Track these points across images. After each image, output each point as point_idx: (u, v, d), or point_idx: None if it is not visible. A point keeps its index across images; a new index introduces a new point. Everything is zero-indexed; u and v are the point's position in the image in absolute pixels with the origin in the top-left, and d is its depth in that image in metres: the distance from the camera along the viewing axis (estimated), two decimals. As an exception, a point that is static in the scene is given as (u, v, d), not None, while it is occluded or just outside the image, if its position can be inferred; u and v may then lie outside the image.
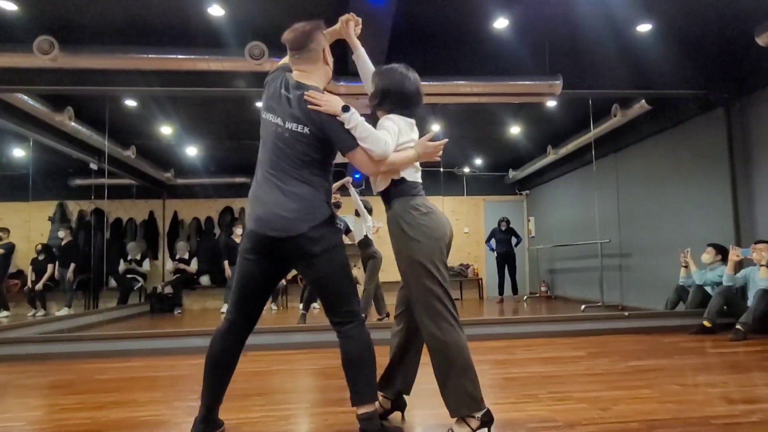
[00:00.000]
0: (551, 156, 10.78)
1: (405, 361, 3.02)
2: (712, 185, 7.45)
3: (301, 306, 7.97)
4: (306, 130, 2.64)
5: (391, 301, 8.46)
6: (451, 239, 2.85)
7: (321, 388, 4.05)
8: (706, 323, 6.24)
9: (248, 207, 2.74)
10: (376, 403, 2.73)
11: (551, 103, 8.29)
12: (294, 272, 11.93)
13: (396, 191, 2.82)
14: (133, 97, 7.84)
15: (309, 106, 2.63)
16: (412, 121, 2.94)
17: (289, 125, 2.66)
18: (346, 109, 2.63)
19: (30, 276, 10.42)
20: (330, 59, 2.93)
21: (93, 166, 9.58)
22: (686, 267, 7.16)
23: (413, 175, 2.87)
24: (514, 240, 11.51)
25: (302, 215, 2.62)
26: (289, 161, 2.66)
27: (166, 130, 9.48)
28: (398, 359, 3.02)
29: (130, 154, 9.82)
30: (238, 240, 10.97)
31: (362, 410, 2.64)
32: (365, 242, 7.66)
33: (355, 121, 2.62)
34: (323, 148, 2.69)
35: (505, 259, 11.57)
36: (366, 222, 7.71)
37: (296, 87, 2.72)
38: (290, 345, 5.93)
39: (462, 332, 2.68)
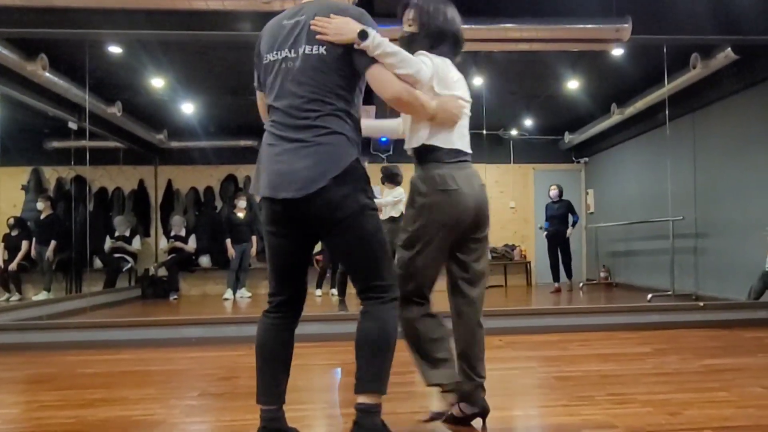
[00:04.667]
0: (616, 116, 10.67)
1: None
2: (810, 152, 7.36)
3: (334, 291, 7.99)
4: (323, 50, 2.60)
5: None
6: (471, 222, 3.00)
7: (339, 387, 4.12)
8: (797, 316, 6.22)
9: (256, 172, 2.73)
10: (382, 397, 2.66)
11: (617, 52, 8.16)
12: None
13: (423, 156, 2.97)
14: (118, 42, 7.72)
15: (317, 36, 2.59)
16: (457, 74, 3.03)
17: (301, 49, 2.61)
18: (363, 35, 2.57)
19: (2, 255, 10.59)
20: None
21: (72, 125, 9.53)
22: (775, 250, 7.13)
23: (450, 140, 2.94)
24: (571, 218, 11.28)
25: (322, 166, 2.54)
26: (301, 100, 2.60)
27: (157, 82, 9.47)
28: None
29: (115, 111, 9.79)
30: (241, 215, 11.08)
31: (361, 399, 2.61)
32: (392, 218, 7.67)
33: (379, 45, 2.59)
34: (345, 72, 2.65)
35: (557, 240, 11.29)
36: (392, 194, 7.73)
37: (308, 8, 2.68)
38: (304, 337, 5.94)
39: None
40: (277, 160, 2.60)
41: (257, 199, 2.79)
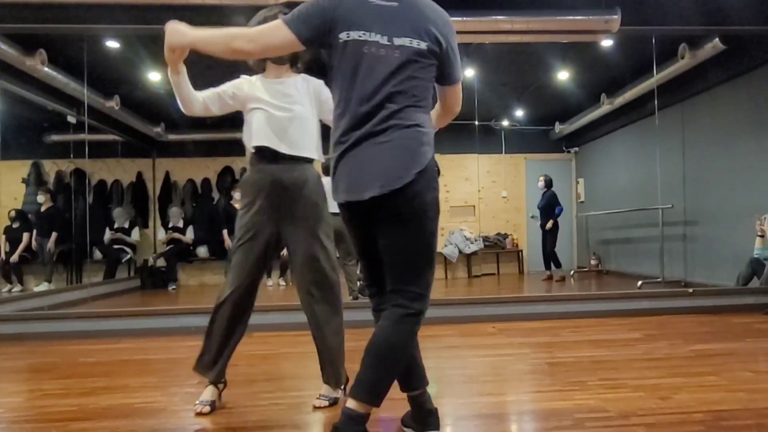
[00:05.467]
0: (605, 107, 10.66)
1: None
2: (796, 140, 7.35)
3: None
4: (423, 45, 2.41)
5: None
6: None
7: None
8: (784, 301, 6.24)
9: (335, 175, 2.49)
10: (372, 408, 2.43)
11: (607, 43, 8.14)
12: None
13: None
14: (116, 37, 7.71)
15: None
16: None
17: (398, 41, 2.39)
18: None
19: (3, 247, 10.54)
20: None
21: (71, 119, 9.52)
22: (762, 237, 7.12)
23: None
24: (557, 209, 10.99)
25: (404, 161, 2.38)
26: (389, 92, 2.40)
27: (154, 76, 9.43)
28: None
29: (113, 105, 9.79)
30: (238, 206, 11.02)
31: (351, 404, 2.37)
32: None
33: None
34: (432, 72, 2.50)
35: (543, 230, 11.06)
36: None
37: None
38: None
39: None
40: (358, 160, 2.41)
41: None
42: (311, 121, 3.36)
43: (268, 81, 3.34)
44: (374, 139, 2.39)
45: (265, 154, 3.27)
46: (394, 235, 2.45)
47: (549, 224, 10.77)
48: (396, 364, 2.47)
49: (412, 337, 2.51)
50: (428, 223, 2.45)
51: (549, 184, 10.99)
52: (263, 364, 4.42)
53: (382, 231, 2.47)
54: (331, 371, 3.36)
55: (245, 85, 3.40)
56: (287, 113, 3.27)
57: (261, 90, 3.31)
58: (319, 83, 3.41)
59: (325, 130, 3.28)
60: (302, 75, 3.41)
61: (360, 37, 2.39)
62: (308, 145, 3.32)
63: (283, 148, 3.24)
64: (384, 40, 2.39)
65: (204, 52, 2.54)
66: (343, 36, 2.39)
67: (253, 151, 3.31)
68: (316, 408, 3.21)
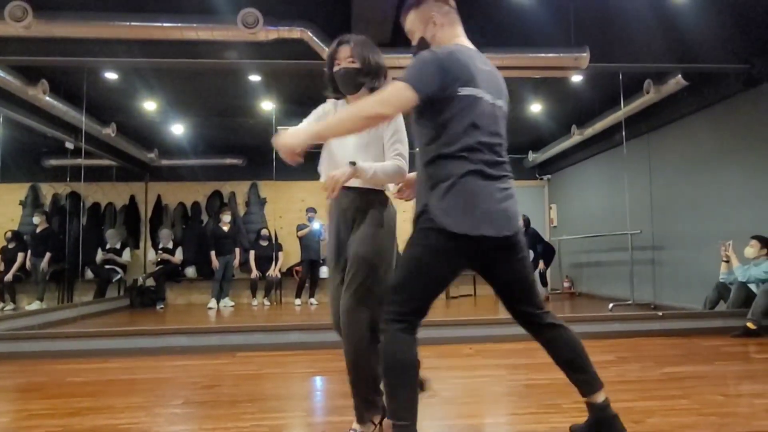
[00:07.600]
0: (576, 137, 10.68)
1: None
2: (757, 170, 7.36)
3: (313, 300, 7.88)
4: (504, 105, 2.68)
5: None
6: None
7: (318, 394, 4.01)
8: (750, 325, 6.18)
9: (462, 205, 2.46)
10: None
11: (576, 78, 8.21)
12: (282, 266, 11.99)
13: None
14: (114, 69, 7.80)
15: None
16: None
17: (499, 103, 2.62)
18: None
19: (-2, 266, 10.41)
20: None
21: (69, 145, 9.56)
22: (727, 262, 7.09)
23: None
24: (538, 247, 10.90)
25: (518, 205, 2.64)
26: (500, 145, 2.60)
27: (149, 106, 9.45)
28: None
29: (109, 132, 9.79)
30: (226, 228, 11.01)
31: (599, 398, 2.66)
32: None
33: None
34: None
35: (536, 256, 10.96)
36: None
37: (482, 58, 2.67)
38: (284, 345, 5.89)
39: None
40: (497, 199, 2.51)
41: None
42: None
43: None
44: (499, 183, 2.54)
45: None
46: (513, 264, 2.63)
47: (541, 266, 10.74)
48: None
49: None
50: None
51: (527, 223, 10.92)
52: (246, 385, 4.30)
53: (501, 262, 2.62)
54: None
55: (332, 109, 3.10)
56: None
57: None
58: None
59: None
60: None
61: (479, 95, 2.50)
62: None
63: None
64: (490, 98, 2.55)
65: (335, 136, 2.63)
66: (462, 90, 2.46)
67: None
68: None
